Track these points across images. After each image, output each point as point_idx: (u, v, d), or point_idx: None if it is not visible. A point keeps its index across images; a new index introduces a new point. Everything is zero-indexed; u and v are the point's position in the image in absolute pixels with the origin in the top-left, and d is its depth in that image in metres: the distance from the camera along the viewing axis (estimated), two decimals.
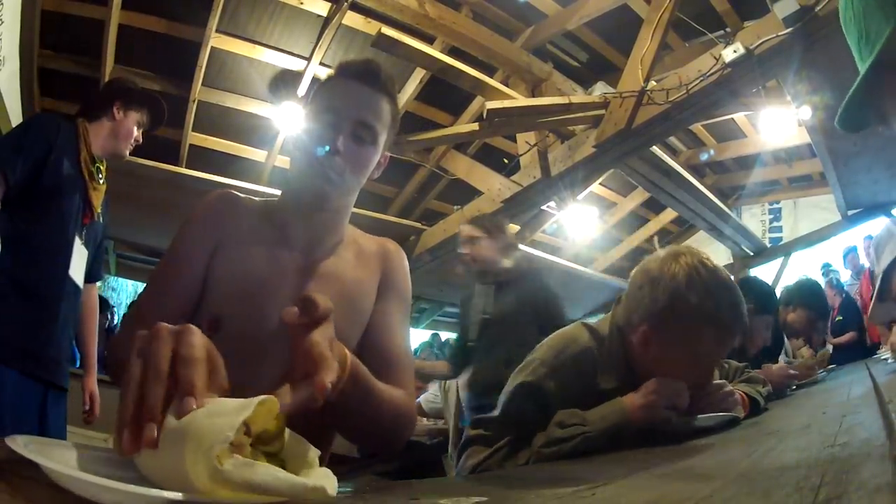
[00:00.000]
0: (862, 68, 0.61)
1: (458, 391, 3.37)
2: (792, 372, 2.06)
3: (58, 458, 0.44)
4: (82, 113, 1.97)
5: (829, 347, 4.15)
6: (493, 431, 1.13)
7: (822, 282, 6.05)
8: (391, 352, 0.97)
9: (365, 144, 0.98)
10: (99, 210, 1.97)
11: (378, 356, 0.92)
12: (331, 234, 1.01)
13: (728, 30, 4.24)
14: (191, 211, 1.00)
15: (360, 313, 0.99)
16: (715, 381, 1.22)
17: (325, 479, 0.46)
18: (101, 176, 1.96)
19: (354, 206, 1.05)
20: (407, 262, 1.10)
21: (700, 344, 1.13)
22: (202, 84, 4.43)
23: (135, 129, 1.99)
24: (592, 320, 1.29)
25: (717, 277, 1.13)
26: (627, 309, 1.20)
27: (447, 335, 7.91)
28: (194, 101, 4.49)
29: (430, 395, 3.90)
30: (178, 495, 0.39)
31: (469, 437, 1.17)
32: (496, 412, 1.17)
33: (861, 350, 4.72)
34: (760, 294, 2.36)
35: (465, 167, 5.10)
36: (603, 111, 3.89)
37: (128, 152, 2.02)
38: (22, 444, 0.42)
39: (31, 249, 1.77)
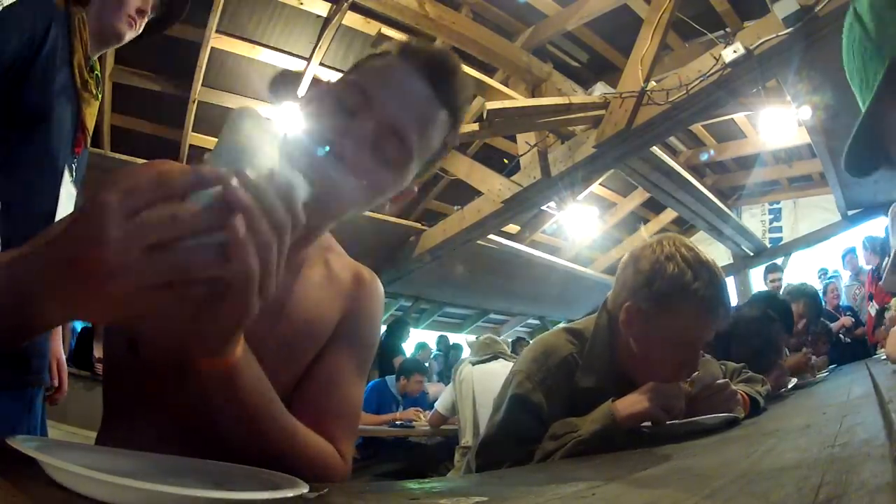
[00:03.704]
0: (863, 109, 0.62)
1: (473, 380, 3.36)
2: (784, 369, 2.09)
3: (58, 455, 0.44)
4: None
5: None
6: (499, 451, 1.13)
7: (819, 285, 6.06)
8: (331, 404, 0.76)
9: (385, 164, 0.69)
10: (90, 133, 1.45)
11: (315, 406, 0.73)
12: (294, 251, 0.69)
13: (728, 30, 4.24)
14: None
15: (306, 348, 0.77)
16: (719, 381, 1.22)
17: None
18: (99, 88, 1.43)
19: None
20: (381, 298, 0.87)
21: (679, 317, 1.13)
22: (202, 84, 4.43)
23: None
24: (578, 321, 1.30)
25: (698, 256, 1.16)
26: (615, 293, 1.23)
27: (452, 338, 7.88)
28: (194, 101, 4.49)
29: (447, 396, 3.88)
30: (178, 490, 0.40)
31: (478, 464, 1.17)
32: (494, 431, 1.18)
33: (862, 349, 4.72)
34: (787, 315, 2.39)
35: (465, 167, 5.10)
36: (603, 111, 3.89)
37: (126, 29, 1.42)
38: (22, 443, 0.42)
39: (7, 192, 1.24)
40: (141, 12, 1.42)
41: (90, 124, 1.42)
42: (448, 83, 0.72)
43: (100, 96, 1.43)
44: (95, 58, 1.42)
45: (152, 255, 0.40)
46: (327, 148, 0.66)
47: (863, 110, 0.63)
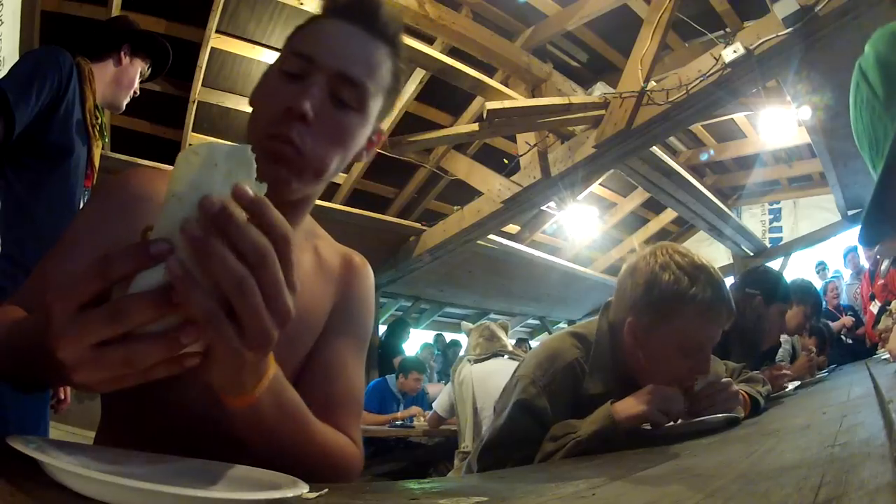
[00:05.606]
0: (876, 175, 0.60)
1: (472, 382, 3.32)
2: (785, 372, 2.07)
3: (58, 455, 0.44)
4: (84, 51, 1.65)
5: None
6: (501, 455, 1.13)
7: (817, 280, 6.05)
8: (335, 392, 0.77)
9: (347, 110, 0.71)
10: (97, 171, 1.70)
11: (319, 395, 0.73)
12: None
13: (728, 30, 4.24)
14: (102, 189, 0.78)
15: (304, 339, 0.77)
16: (723, 380, 1.22)
17: None
18: (106, 131, 1.70)
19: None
20: (373, 282, 0.88)
21: (682, 323, 1.13)
22: (202, 84, 4.43)
23: (137, 78, 1.76)
24: (581, 324, 1.30)
25: (692, 260, 1.16)
26: (616, 307, 1.23)
27: (450, 336, 7.91)
28: (194, 101, 4.49)
29: (445, 397, 3.86)
30: (178, 490, 0.40)
31: (480, 467, 1.17)
32: (497, 435, 1.17)
33: (862, 349, 4.72)
34: (767, 283, 2.28)
35: (465, 168, 5.10)
36: (603, 111, 3.89)
37: (125, 102, 1.78)
38: (22, 443, 0.42)
39: (32, 222, 1.43)
40: (135, 92, 1.80)
41: (97, 163, 1.68)
42: (376, 18, 0.74)
43: (106, 139, 1.74)
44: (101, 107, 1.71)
45: (101, 351, 0.40)
46: (287, 126, 0.67)
47: (874, 176, 0.59)
